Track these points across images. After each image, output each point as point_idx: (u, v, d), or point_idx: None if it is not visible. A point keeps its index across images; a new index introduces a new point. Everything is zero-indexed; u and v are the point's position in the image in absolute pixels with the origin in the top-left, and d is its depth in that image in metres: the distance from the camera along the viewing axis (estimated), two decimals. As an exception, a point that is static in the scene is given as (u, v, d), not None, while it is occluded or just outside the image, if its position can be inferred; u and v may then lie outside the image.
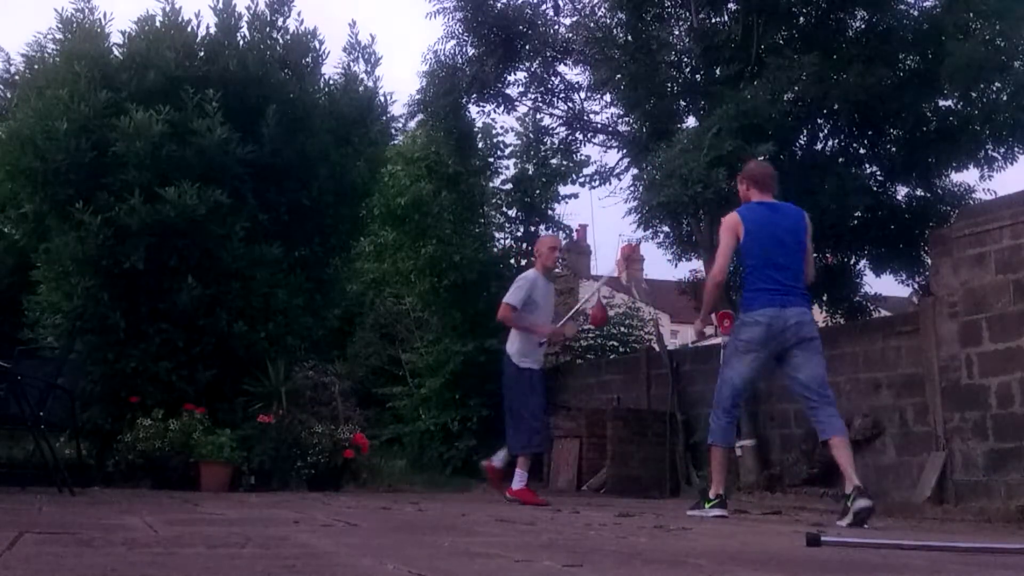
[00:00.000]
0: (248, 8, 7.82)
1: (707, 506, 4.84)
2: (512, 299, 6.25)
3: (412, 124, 10.61)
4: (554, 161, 10.77)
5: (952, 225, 7.09)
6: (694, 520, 4.52)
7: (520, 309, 6.21)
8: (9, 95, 9.30)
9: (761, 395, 8.13)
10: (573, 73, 9.70)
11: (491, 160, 11.18)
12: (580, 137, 10.04)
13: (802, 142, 8.90)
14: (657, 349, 9.88)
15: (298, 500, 5.46)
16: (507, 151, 11.17)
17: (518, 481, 6.03)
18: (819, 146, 9.03)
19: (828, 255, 9.61)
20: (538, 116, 10.30)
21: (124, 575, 1.92)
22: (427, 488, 7.62)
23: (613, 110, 9.58)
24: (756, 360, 4.85)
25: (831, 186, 7.89)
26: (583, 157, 10.48)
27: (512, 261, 11.14)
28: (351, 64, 8.45)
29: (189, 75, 7.22)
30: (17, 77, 9.14)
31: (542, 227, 11.45)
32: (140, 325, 7.06)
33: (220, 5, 7.67)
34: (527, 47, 9.28)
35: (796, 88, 8.00)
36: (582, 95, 9.76)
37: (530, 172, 11.02)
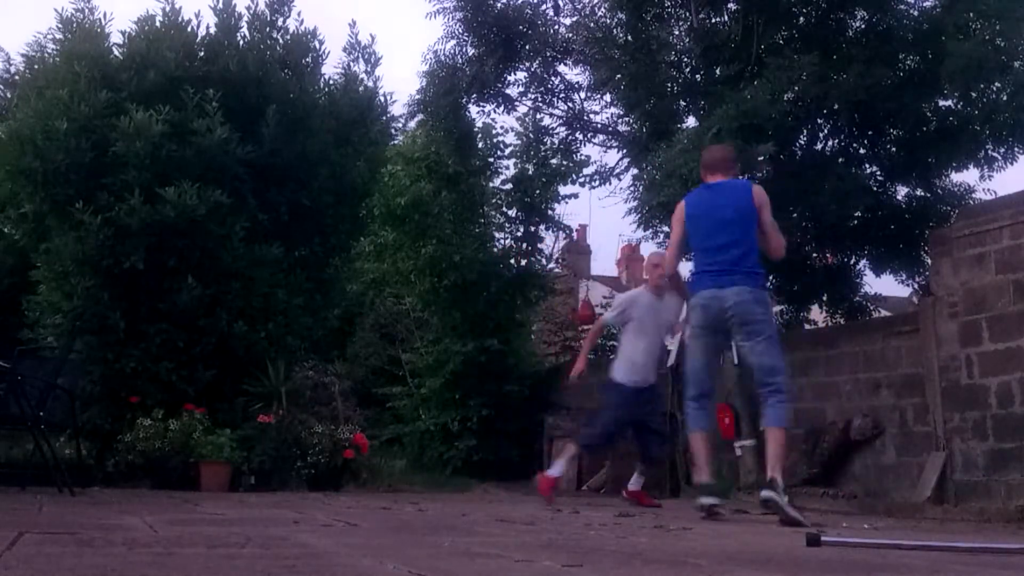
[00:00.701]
0: (248, 8, 7.84)
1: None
2: (605, 316, 6.31)
3: (412, 124, 10.61)
4: (554, 161, 10.76)
5: (952, 225, 7.09)
6: (694, 520, 4.52)
7: (612, 327, 6.18)
8: (9, 95, 9.30)
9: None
10: (573, 73, 9.71)
11: (491, 160, 11.17)
12: (580, 137, 10.04)
13: (802, 142, 8.90)
14: (657, 349, 9.88)
15: (298, 500, 5.46)
16: (507, 151, 11.17)
17: (554, 469, 6.13)
18: (819, 146, 9.03)
19: (828, 255, 9.62)
20: (538, 116, 10.31)
21: (124, 575, 1.92)
22: (427, 488, 7.61)
23: (613, 110, 9.58)
24: (705, 345, 4.76)
25: (831, 186, 7.89)
26: (583, 157, 10.47)
27: (512, 261, 11.14)
28: (351, 64, 8.47)
29: (189, 75, 7.22)
30: (17, 77, 9.14)
31: (542, 227, 11.45)
32: (140, 325, 7.06)
33: (220, 5, 7.68)
34: (527, 47, 9.27)
35: (796, 88, 7.99)
36: (582, 95, 9.76)
37: (530, 172, 11.01)
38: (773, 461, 4.45)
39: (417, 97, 9.39)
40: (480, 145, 10.84)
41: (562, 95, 9.77)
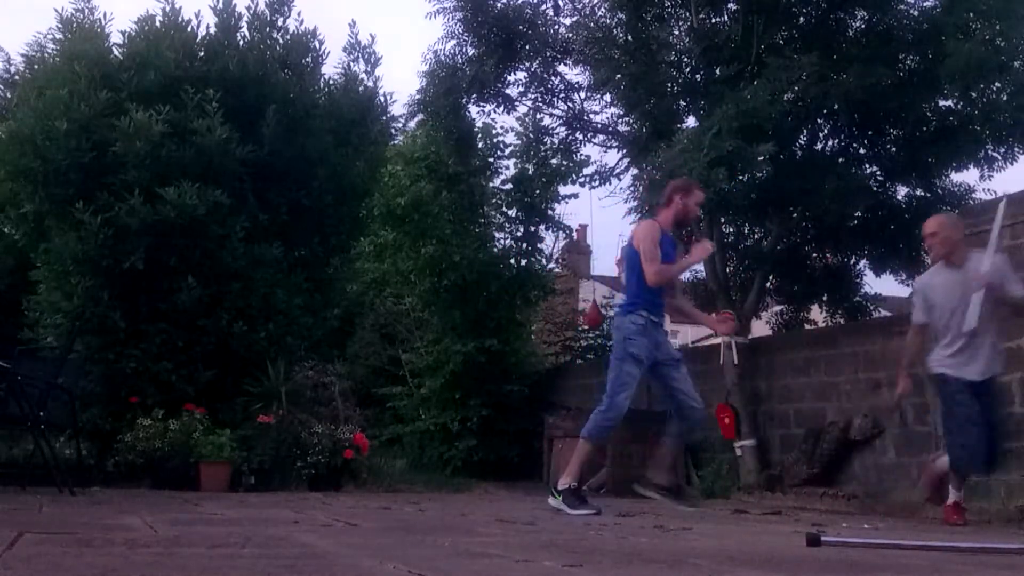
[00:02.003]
0: (248, 8, 7.84)
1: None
2: (914, 317, 5.39)
3: (412, 124, 10.61)
4: (554, 161, 10.75)
5: (952, 225, 7.08)
6: (694, 520, 4.52)
7: (922, 322, 5.28)
8: (9, 95, 9.30)
9: (761, 395, 8.14)
10: (573, 73, 9.70)
11: (491, 160, 11.17)
12: (580, 137, 10.03)
13: (802, 142, 8.89)
14: (657, 349, 9.87)
15: (298, 500, 5.46)
16: (507, 151, 11.17)
17: (951, 495, 5.29)
18: (819, 146, 9.02)
19: (828, 255, 9.61)
20: (538, 116, 10.28)
21: (124, 575, 1.92)
22: (427, 488, 7.61)
23: (613, 110, 9.57)
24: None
25: (831, 186, 7.89)
26: (583, 157, 10.45)
27: (512, 261, 11.14)
28: (351, 64, 8.46)
29: (189, 75, 7.22)
30: (17, 77, 9.14)
31: (542, 227, 11.45)
32: (140, 325, 7.07)
33: (220, 5, 7.68)
34: (527, 47, 9.26)
35: (796, 88, 7.99)
36: (582, 95, 9.75)
37: (530, 172, 11.01)
38: (567, 468, 5.07)
39: (417, 97, 9.39)
40: (480, 145, 10.84)
41: (562, 95, 9.77)
